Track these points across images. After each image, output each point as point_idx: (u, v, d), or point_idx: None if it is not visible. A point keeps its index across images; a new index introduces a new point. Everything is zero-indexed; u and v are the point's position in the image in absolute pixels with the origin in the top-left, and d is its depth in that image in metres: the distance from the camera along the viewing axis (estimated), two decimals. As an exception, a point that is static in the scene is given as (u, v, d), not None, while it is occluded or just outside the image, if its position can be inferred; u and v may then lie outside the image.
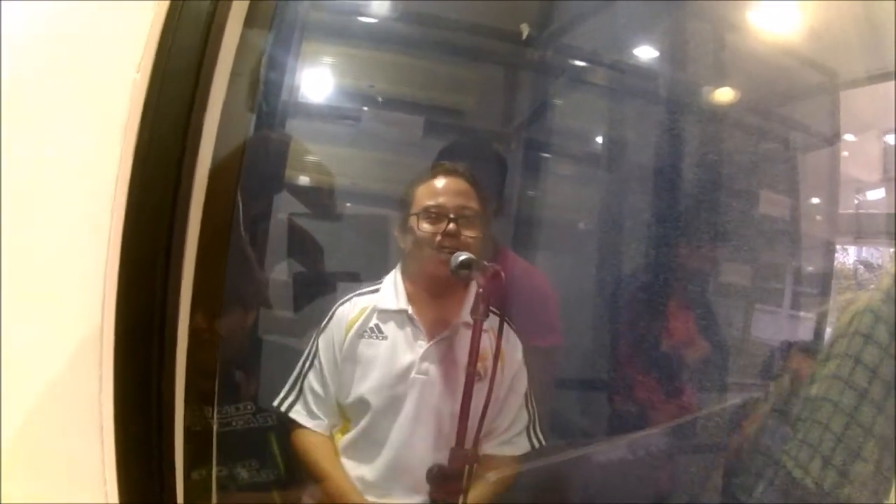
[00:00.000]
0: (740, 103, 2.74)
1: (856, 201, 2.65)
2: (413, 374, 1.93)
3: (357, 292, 2.07)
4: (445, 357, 1.95)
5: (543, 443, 2.07)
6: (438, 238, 1.90)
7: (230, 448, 1.98)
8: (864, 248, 2.59)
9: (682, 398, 2.58)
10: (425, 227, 1.93)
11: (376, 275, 2.12)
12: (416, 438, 1.92)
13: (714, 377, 2.55)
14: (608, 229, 3.05)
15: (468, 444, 1.70)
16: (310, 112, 2.92)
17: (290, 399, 2.01)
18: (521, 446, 2.05)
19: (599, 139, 3.35)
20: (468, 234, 1.92)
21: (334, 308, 2.05)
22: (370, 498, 1.92)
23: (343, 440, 1.99)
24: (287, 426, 2.02)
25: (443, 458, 1.75)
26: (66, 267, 1.02)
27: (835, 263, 2.60)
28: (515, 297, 2.13)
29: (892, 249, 2.41)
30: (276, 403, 2.02)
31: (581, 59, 3.21)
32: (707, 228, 2.55)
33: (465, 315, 1.90)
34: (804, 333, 2.60)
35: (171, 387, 1.07)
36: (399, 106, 3.05)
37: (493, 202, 2.27)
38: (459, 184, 1.99)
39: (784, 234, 2.72)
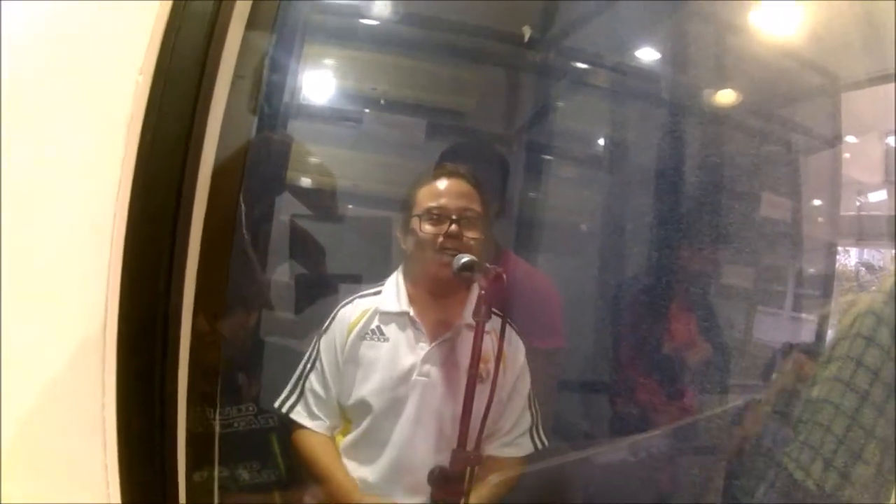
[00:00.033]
0: (742, 105, 2.74)
1: (857, 203, 2.65)
2: (414, 377, 1.93)
3: (359, 294, 2.07)
4: (447, 359, 1.95)
5: (547, 444, 2.08)
6: (440, 239, 1.90)
7: (232, 449, 1.98)
8: (865, 250, 2.59)
9: (684, 400, 2.58)
10: (427, 228, 1.92)
11: (378, 277, 2.12)
12: (417, 440, 1.92)
13: (716, 379, 2.55)
14: (610, 231, 3.05)
15: (470, 446, 1.70)
16: (312, 114, 2.92)
17: (292, 400, 2.02)
18: (525, 447, 2.05)
19: (601, 141, 3.35)
20: (470, 235, 1.92)
21: (336, 310, 2.05)
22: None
23: (344, 441, 1.99)
24: (288, 427, 2.03)
25: (444, 459, 1.74)
26: (66, 267, 1.02)
27: (836, 265, 2.60)
28: (517, 300, 2.13)
29: (893, 251, 2.41)
30: (277, 404, 2.03)
31: (583, 62, 3.22)
32: (709, 230, 2.55)
33: (467, 317, 1.91)
34: (806, 335, 2.60)
35: (174, 387, 1.07)
36: (401, 108, 3.05)
37: (495, 204, 2.27)
38: (461, 185, 1.99)
39: (786, 236, 2.72)
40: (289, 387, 2.04)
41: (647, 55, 3.07)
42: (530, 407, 2.07)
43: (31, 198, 1.01)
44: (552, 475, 2.15)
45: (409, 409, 1.92)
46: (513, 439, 2.05)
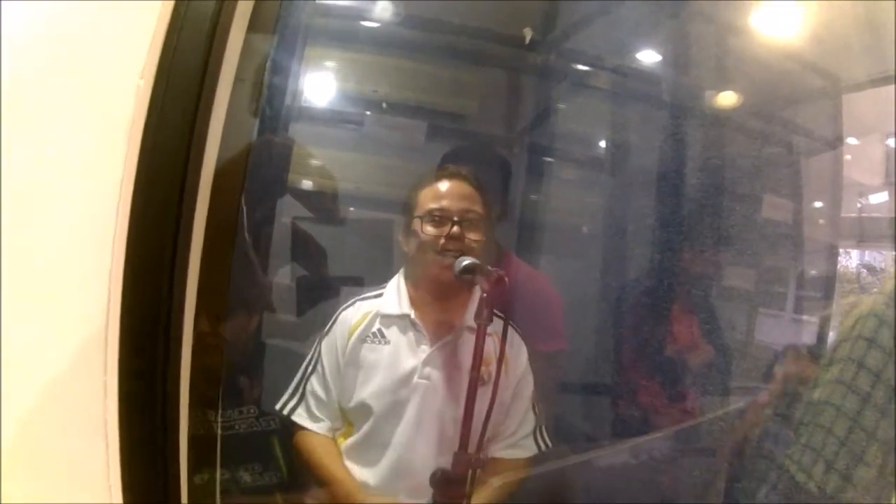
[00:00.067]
0: (743, 107, 2.74)
1: (858, 205, 2.65)
2: (415, 379, 1.93)
3: (361, 297, 2.07)
4: (448, 362, 1.95)
5: (550, 446, 2.08)
6: (442, 241, 1.89)
7: (233, 451, 1.99)
8: (867, 252, 2.59)
9: (686, 402, 2.58)
10: (429, 229, 1.92)
11: (380, 279, 2.12)
12: (418, 443, 1.92)
13: (717, 381, 2.55)
14: (611, 234, 3.06)
15: (472, 449, 1.70)
16: (313, 116, 2.93)
17: (293, 403, 2.02)
18: (529, 449, 2.06)
19: (603, 143, 3.36)
20: (472, 237, 1.91)
21: (338, 312, 2.05)
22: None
23: (346, 444, 1.99)
24: (290, 429, 2.03)
25: (446, 462, 1.73)
26: (66, 267, 1.02)
27: (838, 267, 2.60)
28: (519, 302, 2.13)
29: (894, 253, 2.40)
30: (278, 407, 2.03)
31: (584, 64, 3.22)
32: (710, 232, 2.56)
33: (469, 319, 1.90)
34: (807, 337, 2.60)
35: (176, 389, 1.07)
36: (402, 110, 3.05)
37: (496, 206, 2.27)
38: (463, 187, 1.99)
39: (787, 237, 2.72)
40: (290, 389, 2.04)
41: (649, 57, 3.07)
42: (534, 408, 2.07)
43: (31, 198, 1.01)
44: (554, 478, 2.15)
45: (410, 412, 1.92)
46: (517, 441, 2.05)
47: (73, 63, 1.03)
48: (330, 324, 2.04)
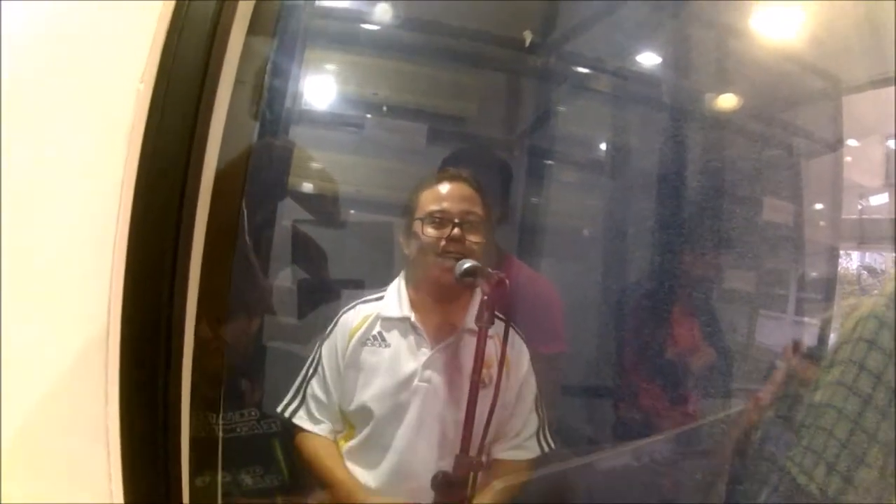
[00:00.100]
0: (743, 110, 2.75)
1: (859, 206, 2.65)
2: (416, 382, 1.93)
3: (361, 300, 2.07)
4: (449, 364, 1.95)
5: (553, 447, 2.08)
6: (443, 243, 1.89)
7: (234, 454, 1.98)
8: (867, 254, 2.58)
9: (687, 405, 2.58)
10: (430, 231, 1.92)
11: (380, 282, 2.12)
12: (419, 446, 1.92)
13: (718, 384, 2.55)
14: (612, 236, 3.05)
15: (473, 452, 1.70)
16: (313, 119, 2.93)
17: (294, 405, 2.02)
18: (532, 450, 2.05)
19: (603, 146, 3.36)
20: (472, 239, 1.91)
21: (338, 315, 2.05)
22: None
23: (347, 446, 1.99)
24: (291, 432, 2.03)
25: (447, 465, 1.73)
26: (66, 267, 1.02)
27: (838, 269, 2.60)
28: (519, 305, 2.13)
29: (895, 254, 2.40)
30: (279, 409, 2.03)
31: (584, 66, 3.22)
32: (711, 235, 2.56)
33: (470, 322, 1.90)
34: (808, 339, 2.60)
35: (177, 391, 1.07)
36: (402, 113, 3.05)
37: (497, 209, 2.27)
38: (464, 189, 1.99)
39: (787, 240, 2.72)
40: (291, 392, 2.04)
41: (649, 59, 3.07)
42: (537, 410, 2.07)
43: (31, 198, 1.01)
44: (555, 480, 2.15)
45: (411, 415, 1.92)
46: (520, 442, 2.05)
47: (73, 63, 1.03)
48: (331, 327, 2.04)
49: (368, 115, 3.04)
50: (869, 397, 1.91)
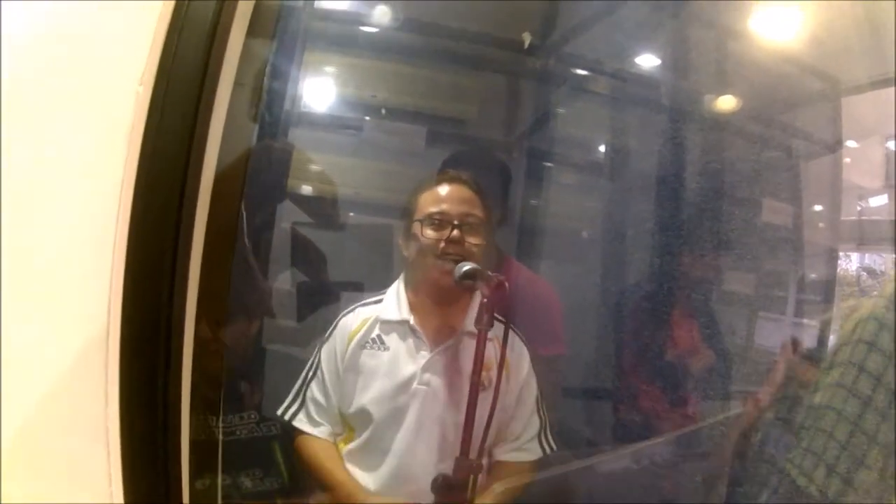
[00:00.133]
0: (742, 111, 2.75)
1: (858, 208, 2.65)
2: (415, 385, 1.93)
3: (360, 303, 2.07)
4: (448, 367, 1.95)
5: (555, 449, 2.07)
6: (442, 245, 1.89)
7: (234, 457, 1.98)
8: (866, 255, 2.58)
9: (687, 407, 2.58)
10: (429, 233, 1.92)
11: (379, 284, 2.12)
12: (419, 448, 1.92)
13: (718, 386, 2.55)
14: (611, 238, 3.06)
15: (473, 454, 1.70)
16: (312, 122, 2.93)
17: (294, 408, 2.02)
18: (534, 452, 2.06)
19: (602, 148, 3.36)
20: (472, 241, 1.91)
21: (338, 318, 2.05)
22: (373, 505, 1.93)
23: (347, 448, 1.99)
24: (291, 435, 2.03)
25: (447, 467, 1.73)
26: (66, 267, 1.02)
27: (838, 270, 2.60)
28: (519, 307, 2.13)
29: (894, 256, 2.40)
30: (279, 412, 2.03)
31: (583, 68, 3.22)
32: (710, 237, 2.56)
33: (469, 325, 1.90)
34: (808, 341, 2.59)
35: (177, 393, 1.07)
36: (401, 115, 3.05)
37: (497, 211, 2.27)
38: (463, 191, 1.99)
39: (787, 241, 2.73)
40: (291, 395, 2.04)
41: (647, 61, 3.08)
42: (538, 412, 2.07)
43: (31, 198, 1.01)
44: (555, 483, 2.15)
45: (410, 418, 1.92)
46: (522, 444, 2.05)
47: (73, 63, 1.03)
48: (330, 330, 2.04)
49: (367, 118, 3.04)
50: (869, 399, 1.91)
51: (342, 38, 2.90)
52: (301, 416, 2.01)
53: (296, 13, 2.25)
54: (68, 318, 1.01)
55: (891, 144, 2.52)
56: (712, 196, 2.55)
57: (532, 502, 2.08)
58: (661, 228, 2.66)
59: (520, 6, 3.10)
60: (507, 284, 1.78)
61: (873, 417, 1.91)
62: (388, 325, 2.00)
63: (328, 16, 2.84)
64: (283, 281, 2.43)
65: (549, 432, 2.08)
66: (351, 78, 3.02)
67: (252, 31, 1.24)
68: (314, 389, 2.01)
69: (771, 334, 2.67)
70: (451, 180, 2.02)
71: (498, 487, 1.95)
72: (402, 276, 2.07)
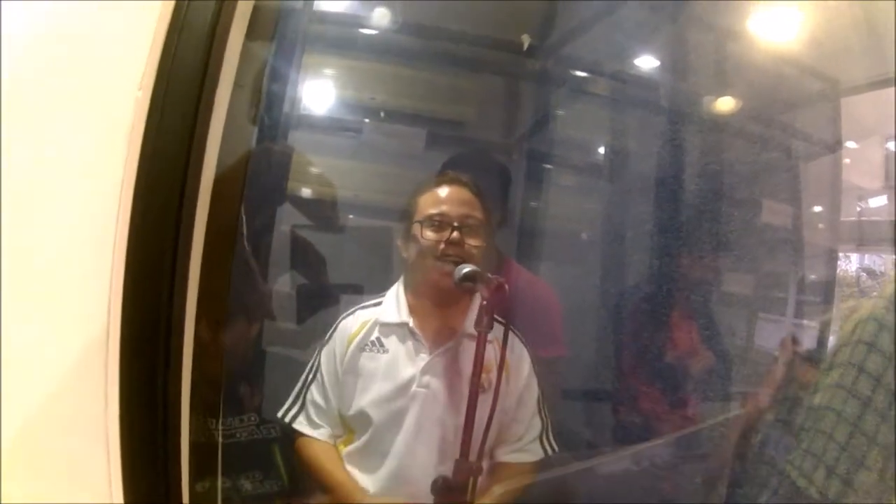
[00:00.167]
0: (741, 112, 2.75)
1: (858, 208, 2.65)
2: (414, 388, 1.93)
3: (360, 305, 2.07)
4: (448, 369, 1.95)
5: (556, 450, 2.07)
6: (442, 246, 1.89)
7: (234, 459, 1.98)
8: (866, 256, 2.58)
9: (687, 409, 2.58)
10: (429, 235, 1.92)
11: (379, 287, 2.12)
12: (418, 451, 1.91)
13: (718, 387, 2.55)
14: (611, 240, 3.06)
15: (473, 457, 1.69)
16: (311, 124, 2.93)
17: (294, 411, 2.02)
18: (535, 453, 2.05)
19: (601, 149, 3.36)
20: (471, 242, 1.91)
21: (338, 321, 2.05)
22: (372, 507, 1.92)
23: (347, 450, 1.99)
24: (291, 437, 2.03)
25: (447, 470, 1.73)
26: (66, 267, 1.02)
27: (837, 271, 2.60)
28: (519, 309, 2.13)
29: (894, 256, 2.40)
30: (280, 414, 2.03)
31: (582, 70, 3.22)
32: (710, 238, 2.56)
33: (469, 327, 1.90)
34: (807, 342, 2.59)
35: (178, 394, 1.07)
36: (400, 118, 3.05)
37: (496, 213, 2.26)
38: (463, 193, 1.99)
39: (786, 242, 2.73)
40: (291, 397, 2.04)
41: (647, 63, 3.08)
42: (540, 413, 2.06)
43: (31, 198, 1.01)
44: (555, 484, 2.15)
45: (410, 421, 1.92)
46: (523, 445, 2.05)
47: (73, 63, 1.03)
48: (329, 333, 2.04)
49: (366, 120, 3.04)
50: (868, 400, 1.91)
51: (341, 40, 2.90)
52: (301, 418, 2.01)
53: (295, 15, 2.26)
54: (68, 318, 1.01)
55: (890, 145, 2.52)
56: (712, 197, 2.55)
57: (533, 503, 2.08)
58: (660, 230, 2.66)
59: (518, 8, 3.10)
60: (506, 286, 1.78)
61: (873, 418, 1.91)
62: (387, 327, 2.00)
63: (327, 18, 2.84)
64: (283, 283, 2.43)
65: (550, 434, 2.08)
66: (350, 80, 3.02)
67: (251, 32, 1.24)
68: (314, 392, 2.01)
69: (771, 335, 2.67)
70: (450, 182, 2.02)
71: (498, 489, 1.95)
72: (401, 279, 2.07)
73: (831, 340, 2.39)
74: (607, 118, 3.28)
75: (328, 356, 2.02)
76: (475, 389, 1.69)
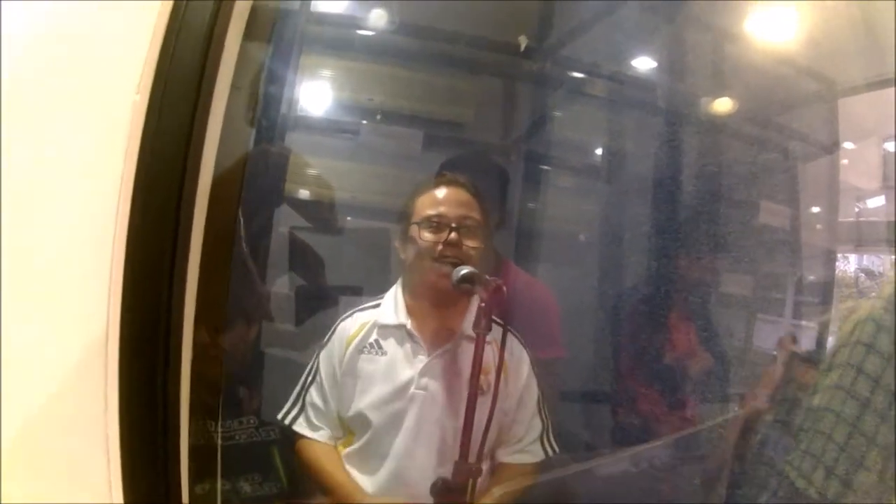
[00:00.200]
0: (739, 113, 2.75)
1: (856, 209, 2.65)
2: (412, 390, 1.92)
3: (359, 307, 2.07)
4: (446, 371, 1.94)
5: (557, 451, 2.07)
6: (439, 248, 1.88)
7: (233, 462, 1.98)
8: (864, 256, 2.58)
9: (685, 410, 2.58)
10: (426, 236, 1.91)
11: (377, 289, 2.11)
12: (417, 453, 1.91)
13: (716, 388, 2.55)
14: (609, 241, 3.06)
15: (472, 458, 1.69)
16: (309, 125, 2.93)
17: (294, 413, 2.01)
18: (536, 454, 2.05)
19: (599, 151, 3.36)
20: (469, 244, 1.90)
21: (337, 323, 2.04)
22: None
23: (346, 451, 1.99)
24: (290, 440, 2.02)
25: (446, 471, 1.72)
26: (66, 267, 1.02)
27: (836, 272, 2.60)
28: (517, 310, 2.12)
29: (893, 257, 2.40)
30: (279, 417, 2.02)
31: (580, 71, 3.23)
32: (707, 239, 2.56)
33: (467, 329, 1.90)
34: (806, 343, 2.59)
35: (177, 396, 1.07)
36: (398, 119, 3.05)
37: (494, 214, 2.26)
38: (461, 194, 1.98)
39: (785, 243, 2.73)
40: (291, 399, 2.04)
41: (644, 64, 3.08)
42: (540, 414, 2.06)
43: (31, 198, 1.01)
44: (554, 486, 2.15)
45: (408, 423, 1.91)
46: (524, 446, 2.04)
47: (73, 63, 1.03)
48: (328, 335, 2.04)
49: (364, 122, 3.04)
50: (867, 401, 1.92)
51: (339, 41, 2.90)
52: (301, 420, 2.00)
53: (292, 16, 2.25)
54: (68, 319, 1.01)
55: (888, 145, 2.52)
56: (710, 198, 2.56)
57: (531, 505, 2.08)
58: (659, 231, 2.66)
59: (516, 9, 3.10)
60: (504, 288, 1.78)
61: (872, 419, 1.91)
62: (385, 329, 2.00)
63: (325, 19, 2.84)
64: (281, 285, 2.43)
65: (551, 434, 2.07)
66: (347, 81, 3.02)
67: (248, 33, 1.24)
68: (313, 394, 2.01)
69: (769, 336, 2.67)
70: (448, 183, 2.01)
71: (497, 491, 1.94)
72: (399, 281, 2.07)
73: (830, 341, 2.39)
74: (605, 119, 3.28)
75: (327, 358, 2.01)
76: (474, 391, 1.68)
